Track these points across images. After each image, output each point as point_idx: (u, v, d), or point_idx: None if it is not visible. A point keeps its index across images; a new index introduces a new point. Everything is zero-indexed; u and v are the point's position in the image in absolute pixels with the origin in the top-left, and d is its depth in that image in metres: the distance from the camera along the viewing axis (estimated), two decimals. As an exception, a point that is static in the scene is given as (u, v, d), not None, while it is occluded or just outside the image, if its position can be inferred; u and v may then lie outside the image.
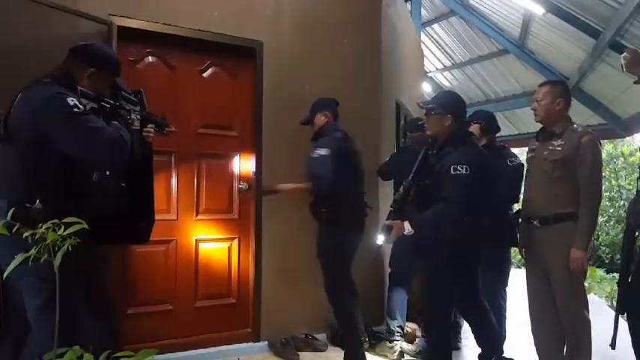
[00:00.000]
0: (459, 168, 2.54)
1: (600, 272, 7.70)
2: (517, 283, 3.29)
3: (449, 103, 2.80)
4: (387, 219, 2.76)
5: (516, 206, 3.34)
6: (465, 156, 2.61)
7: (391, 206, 2.81)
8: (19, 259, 0.99)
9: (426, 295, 2.84)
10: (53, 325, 1.91)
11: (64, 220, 1.03)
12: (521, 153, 7.57)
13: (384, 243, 2.80)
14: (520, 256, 3.20)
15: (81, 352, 0.92)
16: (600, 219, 8.94)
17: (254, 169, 3.58)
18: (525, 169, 3.02)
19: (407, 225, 2.65)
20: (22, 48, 2.46)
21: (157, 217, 2.62)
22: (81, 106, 1.94)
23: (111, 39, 2.94)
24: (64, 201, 1.89)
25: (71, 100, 1.91)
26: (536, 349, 2.90)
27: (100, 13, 2.91)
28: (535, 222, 2.75)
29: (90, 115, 1.98)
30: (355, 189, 3.15)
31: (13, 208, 1.80)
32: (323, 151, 2.96)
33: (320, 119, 3.19)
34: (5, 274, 1.06)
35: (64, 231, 0.96)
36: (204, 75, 3.52)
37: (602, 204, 9.42)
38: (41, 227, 1.01)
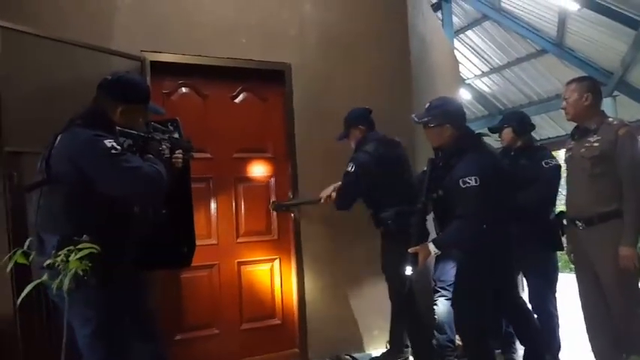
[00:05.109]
0: (467, 180, 2.46)
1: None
2: (571, 289, 3.15)
3: (444, 111, 2.69)
4: (409, 245, 2.66)
5: (558, 208, 3.23)
6: (473, 165, 2.52)
7: (410, 230, 2.75)
8: (29, 286, 1.04)
9: (458, 308, 2.76)
10: (103, 353, 1.99)
11: (78, 246, 1.07)
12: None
13: (413, 272, 2.68)
14: (569, 261, 3.06)
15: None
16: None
17: (290, 189, 3.61)
18: (566, 170, 2.93)
19: (432, 246, 2.59)
20: (59, 88, 2.57)
21: (199, 242, 2.67)
22: (118, 147, 1.97)
23: (145, 74, 3.05)
24: (108, 234, 1.94)
25: (108, 142, 1.94)
26: (594, 356, 2.78)
27: (133, 50, 3.03)
28: (579, 223, 2.65)
29: (127, 155, 2.00)
30: (403, 194, 3.07)
31: (56, 238, 1.89)
32: (349, 167, 3.00)
33: (355, 134, 3.21)
34: (19, 301, 1.11)
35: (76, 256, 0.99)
36: (236, 101, 3.60)
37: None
38: (59, 255, 1.05)
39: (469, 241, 2.55)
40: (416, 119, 2.79)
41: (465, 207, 2.48)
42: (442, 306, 3.53)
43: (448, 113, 2.69)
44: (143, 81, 2.46)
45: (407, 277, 2.73)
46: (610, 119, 2.65)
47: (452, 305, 2.84)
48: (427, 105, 2.78)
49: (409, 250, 2.64)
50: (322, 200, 3.20)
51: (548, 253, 3.19)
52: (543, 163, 3.09)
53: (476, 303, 2.63)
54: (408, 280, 2.78)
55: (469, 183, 2.45)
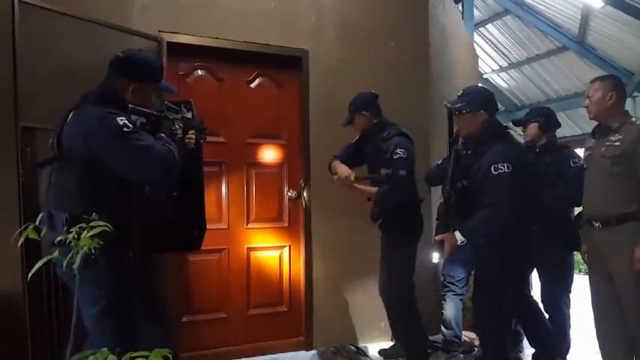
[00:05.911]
0: (500, 167, 2.40)
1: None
2: (582, 290, 3.12)
3: (479, 98, 2.64)
4: (436, 233, 2.66)
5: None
6: (504, 153, 2.47)
7: (437, 219, 2.74)
8: (40, 262, 1.02)
9: (479, 302, 2.72)
10: (110, 334, 1.98)
11: (90, 224, 1.05)
12: (584, 153, 7.20)
13: (440, 260, 2.66)
14: (582, 261, 3.02)
15: (107, 354, 0.93)
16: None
17: (303, 177, 3.59)
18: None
19: (458, 235, 2.52)
20: (75, 66, 2.56)
21: (209, 226, 2.65)
22: (130, 125, 1.94)
23: (161, 54, 3.02)
24: (119, 213, 1.91)
25: (120, 120, 1.91)
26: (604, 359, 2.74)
27: (150, 30, 3.00)
28: (596, 223, 2.59)
29: (139, 133, 1.97)
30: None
31: (65, 216, 1.89)
32: (399, 153, 2.82)
33: (360, 121, 3.05)
34: (29, 276, 1.09)
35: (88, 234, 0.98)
36: (252, 86, 3.57)
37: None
38: (71, 232, 1.04)
39: (499, 231, 2.46)
40: (449, 105, 2.75)
41: (495, 194, 2.41)
42: (450, 301, 3.51)
43: (482, 100, 2.65)
44: (155, 59, 2.40)
45: (434, 265, 2.72)
46: (633, 119, 2.59)
47: (473, 300, 2.80)
48: (460, 92, 2.73)
49: (435, 238, 2.62)
50: (345, 176, 2.96)
51: (566, 253, 3.16)
52: (571, 162, 3.03)
53: (496, 298, 2.59)
54: (434, 268, 2.75)
55: (501, 169, 2.40)
